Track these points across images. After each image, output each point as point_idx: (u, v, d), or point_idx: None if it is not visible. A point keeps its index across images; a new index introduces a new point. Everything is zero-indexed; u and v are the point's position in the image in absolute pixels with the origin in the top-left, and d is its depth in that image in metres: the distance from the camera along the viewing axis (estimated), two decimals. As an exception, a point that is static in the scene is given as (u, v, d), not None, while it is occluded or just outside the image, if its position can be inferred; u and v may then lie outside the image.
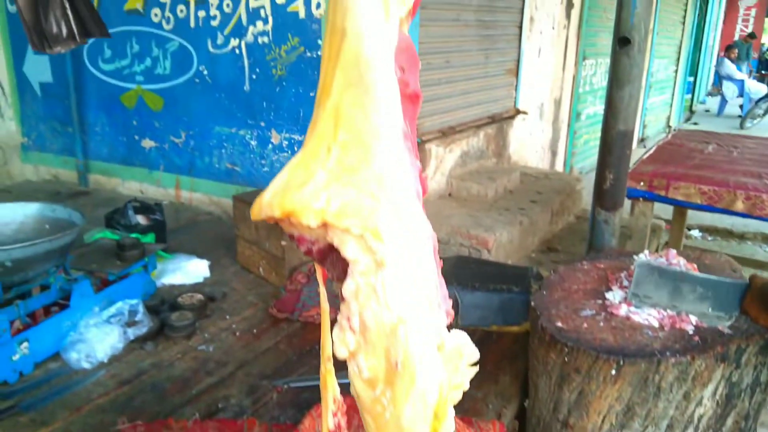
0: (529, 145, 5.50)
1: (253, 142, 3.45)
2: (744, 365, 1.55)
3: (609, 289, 1.91)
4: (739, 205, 3.04)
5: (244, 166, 3.51)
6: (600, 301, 1.82)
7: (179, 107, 3.64)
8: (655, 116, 9.39)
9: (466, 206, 4.19)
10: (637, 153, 6.45)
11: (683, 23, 9.95)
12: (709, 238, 5.28)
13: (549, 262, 4.16)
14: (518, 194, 4.55)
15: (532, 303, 1.81)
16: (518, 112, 5.08)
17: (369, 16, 0.64)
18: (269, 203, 0.70)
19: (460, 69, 4.28)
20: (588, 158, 6.86)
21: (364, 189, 0.64)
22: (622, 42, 2.12)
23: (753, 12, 17.67)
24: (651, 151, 3.76)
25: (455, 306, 2.33)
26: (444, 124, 4.26)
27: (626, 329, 1.65)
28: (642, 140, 8.71)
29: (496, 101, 4.84)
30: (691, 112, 12.62)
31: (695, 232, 5.30)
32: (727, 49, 13.02)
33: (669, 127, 10.26)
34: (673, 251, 2.01)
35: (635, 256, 2.06)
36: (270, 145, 3.41)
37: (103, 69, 3.83)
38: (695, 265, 1.98)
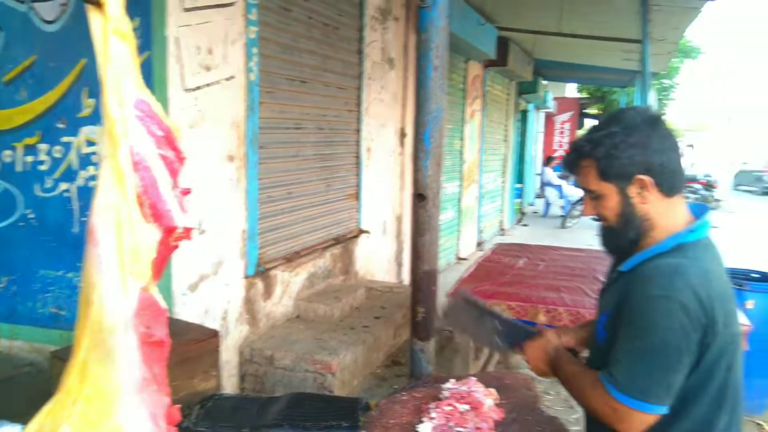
0: (375, 260, 5.85)
1: (83, 284, 3.34)
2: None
3: (421, 421, 2.11)
4: (542, 318, 3.52)
5: (71, 310, 3.35)
6: (413, 435, 2.00)
7: (0, 252, 3.44)
8: (490, 222, 10.50)
9: (313, 328, 4.31)
10: (476, 256, 7.09)
11: (505, 140, 11.49)
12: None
13: (393, 376, 4.35)
14: (363, 311, 4.78)
15: (351, 445, 1.94)
16: (361, 231, 5.44)
17: (108, 292, 0.78)
18: (19, 456, 0.77)
19: (302, 198, 4.56)
20: (433, 266, 7.38)
21: (104, 442, 0.74)
22: (419, 198, 2.47)
23: (567, 126, 20.92)
24: (472, 269, 4.22)
25: (287, 449, 2.38)
26: (289, 250, 4.43)
27: (433, 463, 1.83)
28: (480, 243, 9.61)
29: (339, 224, 5.16)
30: (522, 214, 14.22)
31: (526, 332, 5.86)
32: (548, 159, 15.04)
33: (503, 229, 11.48)
34: (473, 379, 2.28)
35: (443, 386, 2.31)
36: (102, 287, 3.32)
37: None
38: (493, 389, 2.26)
